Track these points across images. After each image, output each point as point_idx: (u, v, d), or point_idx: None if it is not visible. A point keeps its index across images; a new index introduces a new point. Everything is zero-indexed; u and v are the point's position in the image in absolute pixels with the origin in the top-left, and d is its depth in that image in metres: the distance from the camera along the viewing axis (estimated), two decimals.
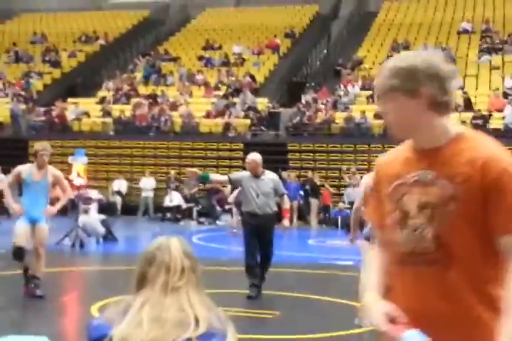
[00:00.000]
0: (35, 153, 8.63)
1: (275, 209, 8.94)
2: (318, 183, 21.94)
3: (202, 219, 21.02)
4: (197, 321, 2.26)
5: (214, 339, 2.26)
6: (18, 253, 8.45)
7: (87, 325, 2.36)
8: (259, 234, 8.70)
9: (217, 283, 8.88)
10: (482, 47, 28.10)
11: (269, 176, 8.91)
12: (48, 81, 30.42)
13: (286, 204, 9.20)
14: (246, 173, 8.96)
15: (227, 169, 23.82)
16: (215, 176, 9.55)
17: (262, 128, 24.42)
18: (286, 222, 9.28)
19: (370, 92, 25.58)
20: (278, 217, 9.24)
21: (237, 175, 9.25)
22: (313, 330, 6.96)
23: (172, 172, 22.64)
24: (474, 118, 22.66)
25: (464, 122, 22.86)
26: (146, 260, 2.39)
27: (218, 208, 21.17)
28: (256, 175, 8.81)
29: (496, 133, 22.34)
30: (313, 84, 27.93)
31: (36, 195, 8.54)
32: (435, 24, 31.20)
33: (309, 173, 22.40)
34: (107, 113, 26.17)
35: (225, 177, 9.22)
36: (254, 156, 8.96)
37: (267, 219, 8.70)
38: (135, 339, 2.22)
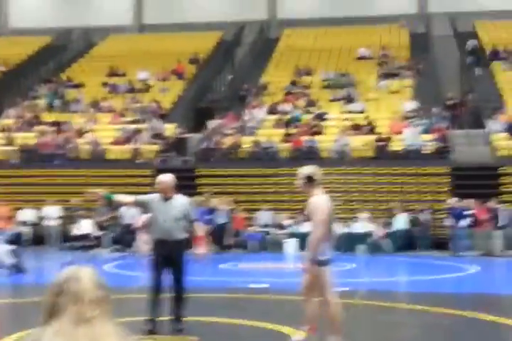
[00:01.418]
0: None
1: (185, 235, 8.30)
2: (229, 208, 22.02)
3: (116, 246, 20.75)
4: None
5: None
6: None
7: None
8: (168, 262, 8.14)
9: (131, 311, 8.81)
10: (380, 72, 29.08)
11: (180, 200, 8.33)
12: None
13: (199, 230, 8.54)
14: (155, 195, 8.33)
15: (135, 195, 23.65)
16: (119, 197, 8.63)
17: (171, 154, 24.40)
18: (200, 249, 8.44)
19: (275, 117, 26.01)
20: (189, 244, 9.04)
21: (144, 197, 8.49)
22: None
23: (74, 199, 22.22)
24: (377, 140, 23.35)
25: (366, 144, 23.59)
26: (55, 291, 2.32)
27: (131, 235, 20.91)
28: (166, 198, 8.23)
29: (396, 155, 23.13)
30: (219, 109, 28.12)
31: None
32: (335, 50, 32.12)
33: (218, 197, 22.49)
34: (10, 141, 25.55)
35: (131, 199, 8.49)
36: (165, 177, 8.37)
37: (175, 246, 8.10)
38: None
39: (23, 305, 10.44)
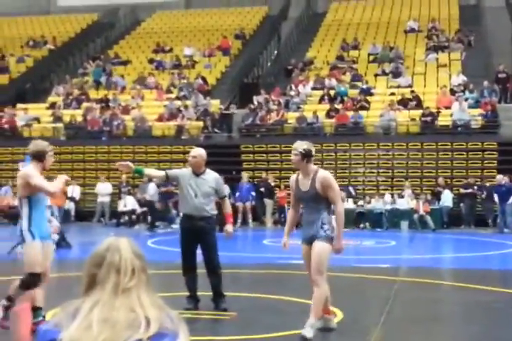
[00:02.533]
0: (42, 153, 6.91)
1: (214, 212, 8.14)
2: (273, 184, 22.05)
3: (157, 223, 20.92)
4: (148, 322, 2.23)
5: (166, 340, 2.22)
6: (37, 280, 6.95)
7: (36, 330, 2.33)
8: (197, 238, 7.98)
9: (173, 286, 8.88)
10: (429, 45, 28.55)
11: (212, 175, 8.11)
12: None
13: (228, 208, 8.29)
14: (186, 170, 8.17)
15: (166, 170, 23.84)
16: (149, 171, 8.54)
17: (215, 130, 24.43)
18: (229, 227, 8.20)
19: (321, 92, 25.80)
20: (220, 220, 8.74)
21: (175, 171, 8.31)
22: (269, 330, 7.00)
23: (124, 176, 22.49)
24: (423, 115, 23.01)
25: (413, 119, 23.26)
26: (95, 262, 2.34)
27: (174, 211, 21.09)
28: (197, 173, 8.02)
29: (444, 130, 22.76)
30: (264, 85, 28.00)
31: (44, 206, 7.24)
32: (382, 23, 31.63)
33: (263, 174, 22.50)
34: (57, 118, 25.89)
35: (161, 173, 8.18)
36: (199, 151, 8.18)
37: (205, 222, 7.95)
38: None
39: (68, 279, 10.61)
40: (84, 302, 2.28)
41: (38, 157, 6.86)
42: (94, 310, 2.24)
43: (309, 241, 6.91)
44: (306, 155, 6.75)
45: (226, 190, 8.53)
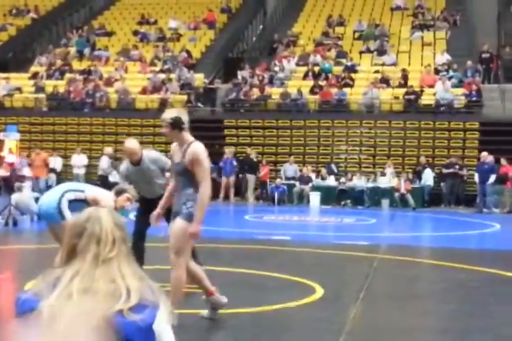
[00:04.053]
0: None
1: (162, 192, 7.76)
2: (255, 159, 22.06)
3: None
4: (128, 292, 2.23)
5: (146, 311, 2.21)
6: None
7: (15, 299, 2.32)
8: (146, 210, 7.82)
9: (151, 259, 8.90)
10: (414, 23, 28.49)
11: (149, 157, 8.05)
12: None
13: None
14: (125, 167, 8.14)
15: (163, 145, 23.74)
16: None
17: (199, 104, 24.34)
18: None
19: (305, 68, 25.73)
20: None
21: (121, 177, 8.27)
22: (250, 304, 7.06)
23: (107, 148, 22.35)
24: (407, 93, 23.04)
25: (396, 98, 23.31)
26: (76, 232, 2.32)
27: None
28: (135, 163, 8.00)
29: (427, 109, 22.84)
30: (249, 59, 27.88)
31: None
32: (369, 0, 31.45)
33: (247, 149, 22.50)
34: (40, 88, 25.66)
35: (123, 183, 8.11)
36: (128, 143, 8.08)
37: (157, 200, 7.64)
38: (65, 311, 2.17)
39: (48, 251, 10.59)
40: (64, 272, 2.27)
41: None
42: (74, 280, 2.23)
43: (175, 217, 6.33)
44: (176, 124, 6.15)
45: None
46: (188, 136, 6.19)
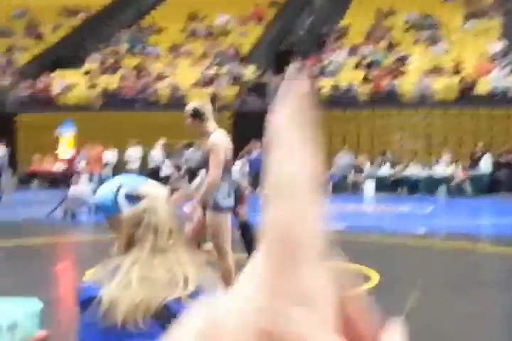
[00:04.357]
0: None
1: None
2: None
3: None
4: (186, 280, 2.26)
5: (204, 298, 2.22)
6: None
7: (76, 287, 2.35)
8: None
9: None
10: (466, 12, 28.00)
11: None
12: (32, 55, 30.14)
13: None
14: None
15: None
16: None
17: (250, 97, 24.35)
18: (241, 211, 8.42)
19: (356, 59, 25.51)
20: None
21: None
22: None
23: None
24: (461, 82, 22.66)
25: (449, 87, 22.95)
26: (133, 221, 2.37)
27: None
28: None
29: (483, 97, 22.42)
30: (299, 52, 27.75)
31: None
32: None
33: None
34: (93, 85, 25.99)
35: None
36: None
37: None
38: (125, 299, 2.21)
39: (106, 242, 10.69)
40: (123, 261, 2.31)
41: None
42: (133, 269, 2.27)
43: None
44: (196, 115, 6.16)
45: None
46: (210, 126, 6.18)
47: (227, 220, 6.18)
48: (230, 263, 6.15)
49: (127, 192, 7.37)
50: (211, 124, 6.18)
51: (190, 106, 6.31)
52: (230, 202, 6.20)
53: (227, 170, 6.23)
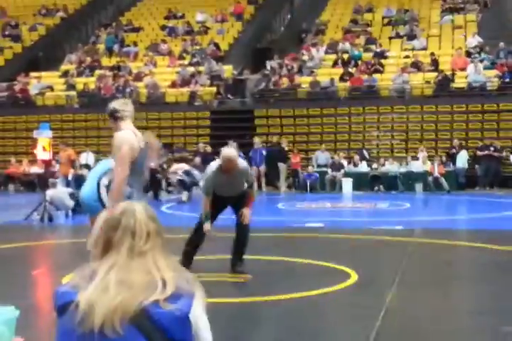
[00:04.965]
0: None
1: (242, 190, 8.18)
2: (286, 148, 22.00)
3: (171, 189, 20.91)
4: (164, 283, 2.26)
5: (181, 301, 2.25)
6: None
7: (53, 292, 2.35)
8: (219, 204, 8.15)
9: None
10: (444, 7, 28.13)
11: (239, 171, 8.04)
12: (9, 56, 29.97)
13: (251, 195, 8.23)
14: (214, 172, 8.06)
15: (194, 138, 23.82)
16: (206, 211, 8.21)
17: (229, 95, 24.34)
18: (246, 211, 8.14)
19: (335, 56, 25.57)
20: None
21: (207, 183, 8.19)
22: (284, 291, 7.03)
23: None
24: (439, 77, 22.77)
25: (428, 82, 23.06)
26: (111, 225, 2.38)
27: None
28: (227, 171, 7.98)
29: (460, 92, 22.55)
30: (277, 49, 27.79)
31: None
32: None
33: (275, 138, 22.47)
34: (70, 86, 25.88)
35: (204, 200, 8.21)
36: (227, 153, 7.97)
37: (232, 197, 8.13)
38: (102, 303, 2.21)
39: (84, 245, 10.66)
40: (100, 265, 2.32)
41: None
42: (110, 273, 2.28)
43: None
44: (111, 114, 6.01)
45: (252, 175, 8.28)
46: (123, 125, 5.94)
47: None
48: None
49: (107, 185, 7.26)
50: (127, 125, 5.94)
51: (109, 106, 6.13)
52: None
53: (135, 170, 5.93)
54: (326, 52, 26.19)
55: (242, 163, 8.38)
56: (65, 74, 27.11)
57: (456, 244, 10.53)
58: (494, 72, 22.92)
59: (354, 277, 7.72)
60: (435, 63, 23.90)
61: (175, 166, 19.36)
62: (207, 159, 21.64)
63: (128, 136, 5.87)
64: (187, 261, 8.02)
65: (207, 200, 8.14)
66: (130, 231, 2.34)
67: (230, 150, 8.16)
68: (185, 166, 19.04)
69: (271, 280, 7.85)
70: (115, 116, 5.98)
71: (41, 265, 9.79)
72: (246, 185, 8.22)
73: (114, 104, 6.08)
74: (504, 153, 20.75)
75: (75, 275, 2.35)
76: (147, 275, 2.29)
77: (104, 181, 7.03)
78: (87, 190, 6.74)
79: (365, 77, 23.62)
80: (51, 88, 26.23)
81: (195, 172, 19.10)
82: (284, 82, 24.29)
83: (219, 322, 5.54)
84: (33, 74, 27.38)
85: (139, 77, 25.89)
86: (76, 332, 2.22)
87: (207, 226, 8.09)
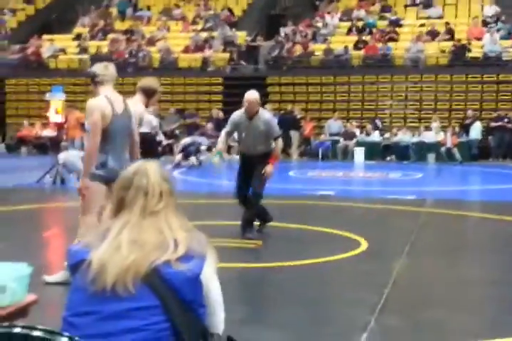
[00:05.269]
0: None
1: (268, 150, 8.24)
2: (299, 116, 21.92)
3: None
4: (176, 243, 2.27)
5: (193, 261, 2.26)
6: None
7: (67, 251, 2.36)
8: (250, 171, 8.25)
9: (198, 215, 8.96)
10: None
11: (262, 118, 8.11)
12: (22, 17, 29.81)
13: (277, 148, 8.26)
14: (239, 116, 8.21)
15: (206, 103, 23.76)
16: (222, 146, 8.46)
17: (241, 62, 24.19)
18: (269, 168, 8.14)
19: (349, 23, 25.31)
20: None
21: (232, 122, 8.27)
22: (293, 258, 7.07)
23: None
24: (454, 46, 22.53)
25: (443, 51, 22.82)
26: (123, 185, 2.37)
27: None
28: (250, 117, 8.09)
29: (475, 62, 22.32)
30: (292, 16, 27.50)
31: None
32: None
33: (289, 106, 22.36)
34: (83, 49, 25.77)
35: (225, 137, 8.39)
36: (249, 96, 8.03)
37: (258, 158, 8.17)
38: (115, 262, 2.22)
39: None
40: (113, 224, 2.33)
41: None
42: (123, 232, 2.29)
43: None
44: (92, 79, 5.85)
45: (278, 129, 8.29)
46: (101, 90, 5.76)
47: (101, 189, 5.65)
48: (88, 221, 5.75)
49: None
50: (106, 90, 5.74)
51: (90, 70, 6.07)
52: (109, 172, 5.62)
53: (110, 137, 5.70)
54: (341, 20, 25.91)
55: (267, 113, 8.50)
56: (78, 37, 26.97)
57: (467, 215, 10.54)
58: (510, 42, 22.65)
59: (364, 245, 7.75)
60: (450, 32, 23.62)
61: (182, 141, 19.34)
62: (219, 125, 21.66)
63: (99, 103, 5.64)
64: (267, 216, 8.53)
65: (224, 137, 8.41)
66: (143, 191, 2.34)
67: (252, 92, 8.17)
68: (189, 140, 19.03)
69: (280, 247, 7.89)
70: (94, 81, 5.81)
71: (53, 226, 9.87)
72: (271, 142, 8.23)
73: (95, 68, 5.90)
74: None
75: (89, 234, 2.38)
76: (159, 234, 2.29)
77: None
78: None
79: (379, 45, 23.39)
80: (64, 51, 26.13)
81: (201, 140, 19.10)
82: (298, 49, 24.09)
83: (229, 286, 5.59)
84: (45, 36, 27.27)
85: (151, 42, 25.74)
86: (88, 291, 2.23)
87: (215, 159, 8.65)
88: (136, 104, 6.53)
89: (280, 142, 8.32)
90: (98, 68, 5.87)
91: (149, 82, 6.85)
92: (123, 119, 5.78)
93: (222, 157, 8.80)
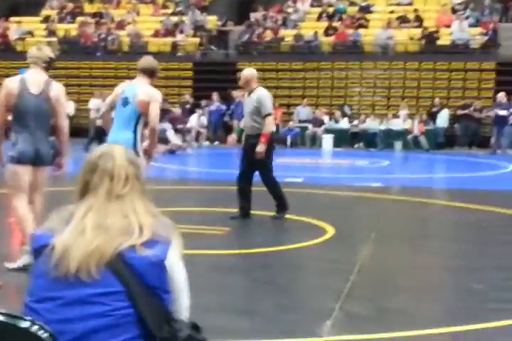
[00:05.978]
0: None
1: (256, 131, 8.19)
2: None
3: None
4: (141, 228, 2.25)
5: (158, 247, 2.24)
6: None
7: (30, 235, 2.35)
8: (245, 155, 8.33)
9: (164, 201, 8.94)
10: None
11: (256, 94, 8.19)
12: None
13: (266, 126, 8.12)
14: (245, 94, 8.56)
15: (175, 89, 23.65)
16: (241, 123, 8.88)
17: (212, 47, 24.11)
18: (259, 147, 8.10)
19: (320, 9, 25.31)
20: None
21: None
22: (262, 245, 7.11)
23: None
24: (423, 34, 22.67)
25: (412, 39, 22.96)
26: (89, 168, 2.35)
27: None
28: (248, 93, 8.33)
29: (444, 49, 22.49)
30: (262, 1, 27.44)
31: None
32: None
33: None
34: (51, 32, 25.47)
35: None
36: (243, 72, 8.40)
37: (251, 139, 8.19)
38: (78, 247, 2.20)
39: (62, 194, 10.65)
40: (77, 208, 2.30)
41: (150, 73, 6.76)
42: (87, 216, 2.27)
43: None
44: (47, 62, 6.04)
45: (269, 107, 8.26)
46: (29, 71, 5.98)
47: (15, 170, 5.80)
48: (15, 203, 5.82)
49: None
50: (31, 71, 5.95)
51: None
52: (19, 152, 5.77)
53: (19, 117, 5.80)
54: (311, 5, 25.92)
55: (263, 90, 8.48)
56: (46, 19, 26.64)
57: (433, 203, 10.68)
58: (478, 29, 22.84)
59: (330, 232, 7.82)
60: (419, 19, 23.74)
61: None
62: (189, 110, 21.61)
63: (6, 82, 5.87)
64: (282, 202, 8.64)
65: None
66: (108, 175, 2.32)
67: (247, 69, 8.56)
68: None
69: (247, 234, 7.94)
70: (27, 62, 6.01)
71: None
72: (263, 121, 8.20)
73: (30, 50, 6.11)
74: (483, 114, 20.80)
75: (52, 218, 2.33)
76: (124, 219, 2.27)
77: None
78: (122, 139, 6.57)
79: (349, 31, 23.45)
80: (31, 34, 25.80)
81: (165, 126, 18.91)
82: (268, 34, 24.06)
83: (196, 272, 5.63)
84: (13, 18, 26.89)
85: (121, 26, 25.52)
86: (51, 276, 2.21)
87: (232, 136, 9.26)
88: (147, 87, 6.60)
89: (269, 119, 8.26)
90: (32, 50, 6.07)
91: (148, 61, 6.87)
92: (38, 100, 5.82)
93: (239, 134, 8.92)
